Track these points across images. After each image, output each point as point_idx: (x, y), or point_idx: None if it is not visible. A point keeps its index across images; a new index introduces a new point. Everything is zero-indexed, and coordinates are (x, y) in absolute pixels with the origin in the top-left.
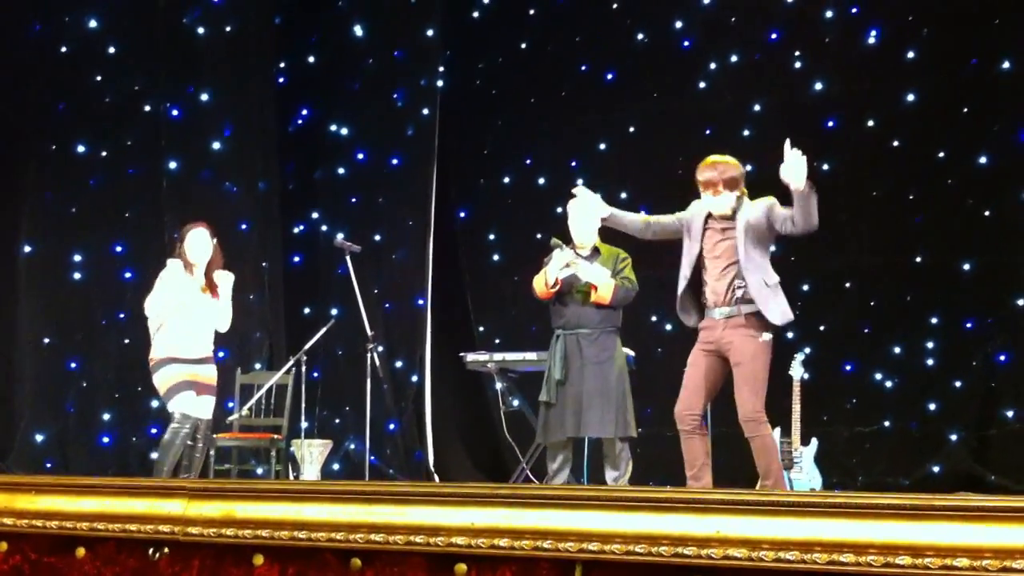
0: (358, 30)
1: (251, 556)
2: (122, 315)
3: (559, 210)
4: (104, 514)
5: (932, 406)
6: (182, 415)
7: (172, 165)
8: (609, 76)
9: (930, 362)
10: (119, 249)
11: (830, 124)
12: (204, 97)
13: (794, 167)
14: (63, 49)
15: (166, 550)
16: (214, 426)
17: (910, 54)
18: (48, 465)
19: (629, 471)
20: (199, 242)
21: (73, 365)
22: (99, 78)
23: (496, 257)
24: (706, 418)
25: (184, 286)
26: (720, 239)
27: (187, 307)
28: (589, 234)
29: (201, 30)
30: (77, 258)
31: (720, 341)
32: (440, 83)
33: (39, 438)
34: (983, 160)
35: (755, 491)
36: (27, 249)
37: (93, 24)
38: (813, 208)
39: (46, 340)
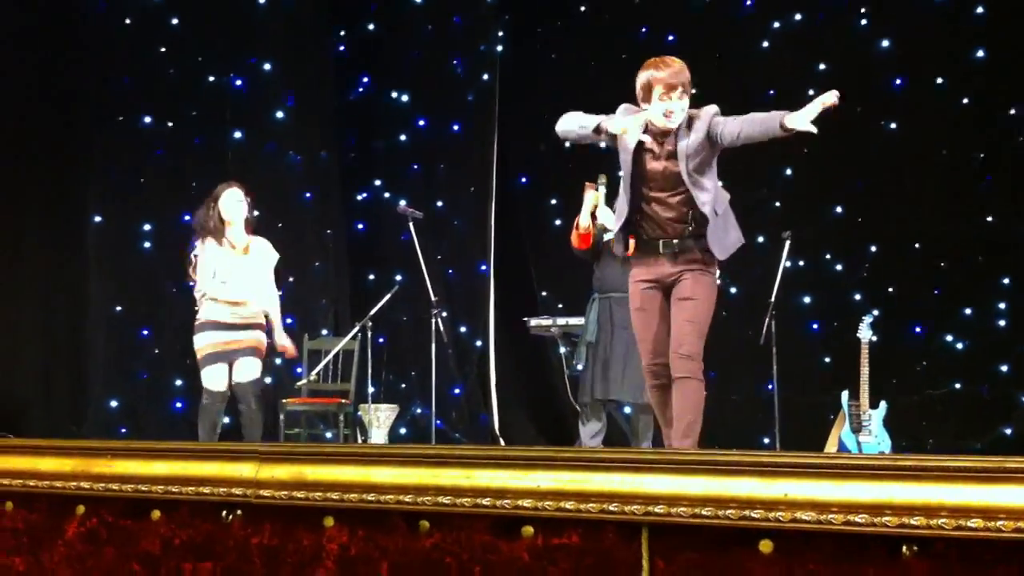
0: None
1: (321, 518)
2: (191, 283)
3: (620, 175)
4: (177, 477)
5: (1003, 368)
6: (207, 391)
7: (236, 135)
8: (670, 38)
9: (1001, 324)
10: (187, 218)
11: (897, 83)
12: (267, 67)
13: (810, 112)
14: (127, 22)
15: (238, 512)
16: (284, 392)
17: (979, 9)
18: (122, 431)
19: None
20: (234, 200)
21: (144, 333)
22: (163, 50)
23: (557, 222)
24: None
25: (219, 257)
26: (658, 162)
27: (225, 274)
28: None
29: (261, 0)
30: (146, 228)
31: (664, 278)
32: (499, 48)
33: (113, 405)
34: None
35: (824, 454)
36: (96, 220)
37: None
38: (763, 138)
39: (117, 309)
